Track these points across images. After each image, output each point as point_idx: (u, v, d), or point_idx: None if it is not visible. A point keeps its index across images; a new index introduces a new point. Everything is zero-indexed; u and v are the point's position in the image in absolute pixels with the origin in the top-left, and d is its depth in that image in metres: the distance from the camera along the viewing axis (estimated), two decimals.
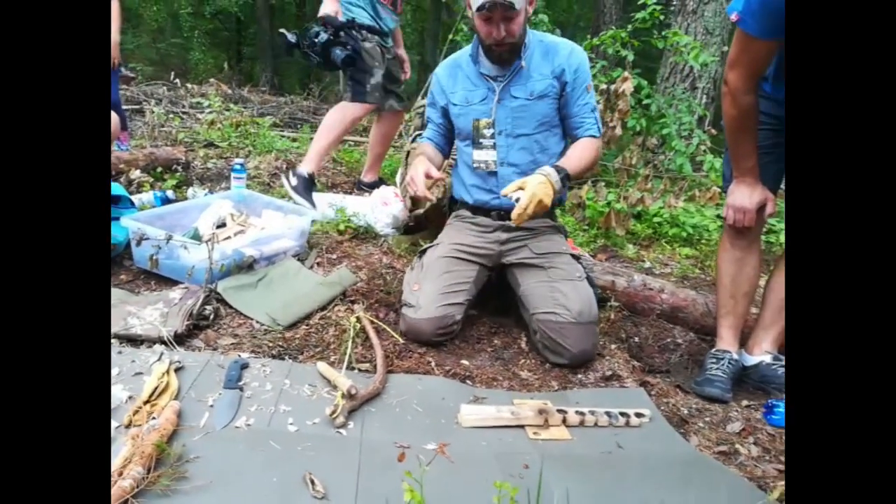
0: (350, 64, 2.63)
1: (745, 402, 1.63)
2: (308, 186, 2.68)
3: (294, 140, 4.27)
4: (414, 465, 1.12)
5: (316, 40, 2.59)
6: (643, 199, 3.04)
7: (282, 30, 2.77)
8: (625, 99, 3.34)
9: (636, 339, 1.98)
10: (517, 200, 1.58)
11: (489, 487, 1.01)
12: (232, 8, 11.13)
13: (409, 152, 2.50)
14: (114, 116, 2.17)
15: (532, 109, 1.78)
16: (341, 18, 2.65)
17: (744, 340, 1.79)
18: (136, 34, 12.02)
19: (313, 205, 2.60)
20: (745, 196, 1.62)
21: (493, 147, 1.81)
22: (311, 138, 4.36)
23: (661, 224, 3.23)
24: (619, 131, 3.47)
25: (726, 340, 1.74)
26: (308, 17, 12.58)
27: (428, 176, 1.73)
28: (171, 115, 4.29)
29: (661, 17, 3.52)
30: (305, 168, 2.74)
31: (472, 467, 1.17)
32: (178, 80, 4.90)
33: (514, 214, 1.58)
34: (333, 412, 1.25)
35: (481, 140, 1.82)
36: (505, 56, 1.75)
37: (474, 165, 1.85)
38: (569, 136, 1.87)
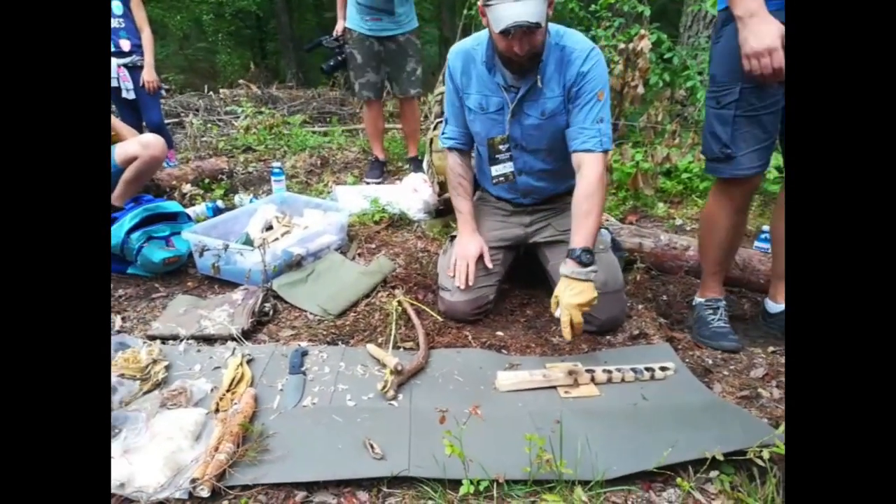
0: (333, 71, 3.27)
1: (770, 349, 1.71)
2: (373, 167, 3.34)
3: (325, 135, 4.44)
4: (458, 421, 1.28)
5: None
6: (669, 156, 3.04)
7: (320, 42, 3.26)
8: (644, 57, 3.33)
9: (664, 297, 2.07)
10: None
11: (523, 440, 1.16)
12: (251, 6, 11.32)
13: (431, 139, 2.62)
14: (159, 138, 2.38)
15: (545, 128, 1.75)
16: (340, 30, 3.12)
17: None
18: (163, 44, 12.45)
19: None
20: (762, 35, 1.34)
21: (510, 159, 1.83)
22: (342, 131, 4.56)
23: (692, 178, 3.23)
24: (641, 90, 3.46)
25: (715, 289, 1.82)
26: (326, 7, 12.67)
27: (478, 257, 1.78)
28: (209, 125, 4.54)
29: None
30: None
31: (509, 425, 1.32)
32: (211, 93, 5.14)
33: (566, 338, 1.59)
34: (384, 387, 1.43)
35: (497, 156, 1.82)
36: (526, 66, 1.65)
37: (494, 181, 1.87)
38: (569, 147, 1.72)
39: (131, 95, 2.97)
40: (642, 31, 3.29)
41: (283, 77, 11.16)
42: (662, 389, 1.49)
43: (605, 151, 1.68)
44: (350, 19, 3.06)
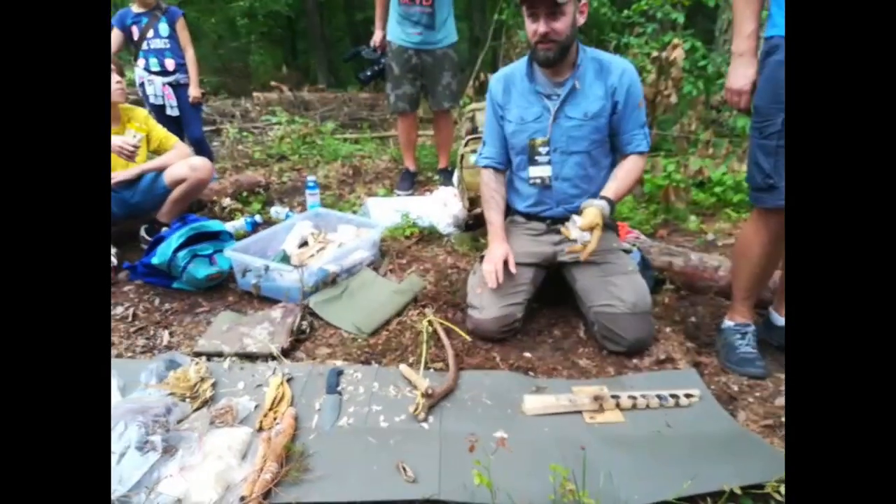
0: (369, 81, 3.31)
1: None
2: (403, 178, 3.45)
3: (356, 142, 4.55)
4: (485, 452, 1.34)
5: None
6: (702, 169, 3.02)
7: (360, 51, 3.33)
8: (677, 66, 3.30)
9: (693, 319, 2.08)
10: (584, 243, 1.73)
11: (548, 468, 1.21)
12: (283, 9, 11.56)
13: (462, 156, 2.67)
14: (206, 162, 2.50)
15: (586, 129, 1.86)
16: (376, 41, 3.19)
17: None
18: (198, 46, 12.82)
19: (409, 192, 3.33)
20: (739, 76, 1.57)
21: (548, 163, 1.91)
22: (372, 137, 4.65)
23: (725, 191, 3.20)
24: (674, 99, 3.44)
25: (745, 314, 1.82)
26: (355, 6, 12.81)
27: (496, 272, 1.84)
28: (245, 133, 4.71)
29: None
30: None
31: (535, 451, 1.37)
32: (245, 100, 5.31)
33: (584, 255, 1.74)
34: (416, 409, 1.50)
35: (536, 157, 1.92)
36: (552, 56, 1.77)
37: (530, 181, 1.96)
38: (618, 151, 1.94)
39: (175, 112, 3.12)
40: (675, 41, 3.26)
41: (314, 77, 11.38)
42: (686, 417, 1.52)
43: (646, 153, 1.94)
44: (391, 31, 3.13)
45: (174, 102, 3.09)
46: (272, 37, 13.87)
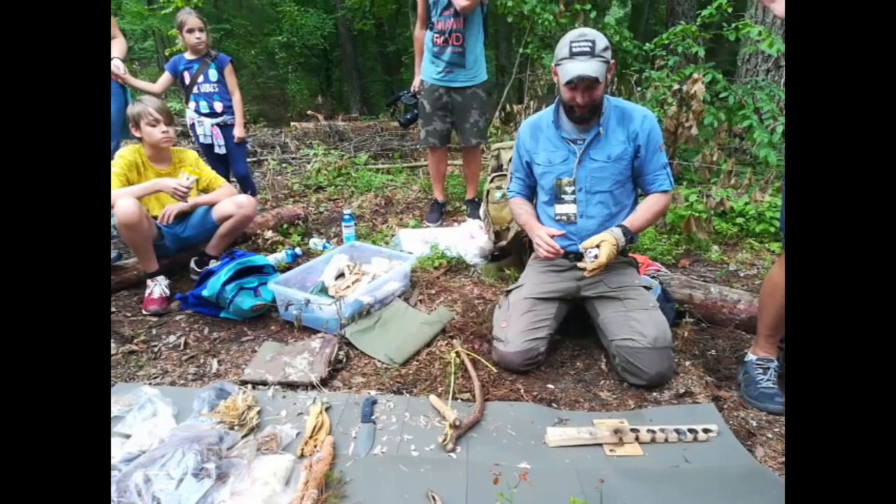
0: (408, 124, 3.53)
1: None
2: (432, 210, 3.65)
3: (388, 172, 4.74)
4: (508, 484, 1.44)
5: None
6: (723, 201, 3.07)
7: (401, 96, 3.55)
8: (697, 99, 3.37)
9: (713, 352, 2.13)
10: (594, 257, 1.86)
11: (568, 501, 1.30)
12: (319, 43, 12.09)
13: (488, 191, 2.80)
14: (252, 200, 2.70)
15: (609, 170, 2.01)
16: (415, 86, 3.42)
17: None
18: (239, 76, 13.47)
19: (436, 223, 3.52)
20: None
21: (574, 202, 2.05)
22: (403, 168, 4.84)
23: (748, 221, 3.23)
24: (694, 131, 3.50)
25: (768, 349, 1.87)
26: (385, 37, 13.26)
27: (551, 235, 2.02)
28: (284, 165, 4.96)
29: (730, 10, 3.47)
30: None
31: (556, 483, 1.46)
32: (282, 134, 5.59)
33: (589, 269, 1.87)
34: (444, 440, 1.61)
35: (563, 196, 2.06)
36: (586, 116, 1.97)
37: (556, 218, 2.09)
38: (642, 190, 2.09)
39: (222, 150, 3.36)
40: (695, 76, 3.34)
41: (347, 104, 11.79)
42: (704, 452, 1.58)
43: (669, 192, 2.06)
44: (424, 71, 3.32)
45: (222, 141, 3.33)
46: (308, 66, 14.46)
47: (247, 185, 3.52)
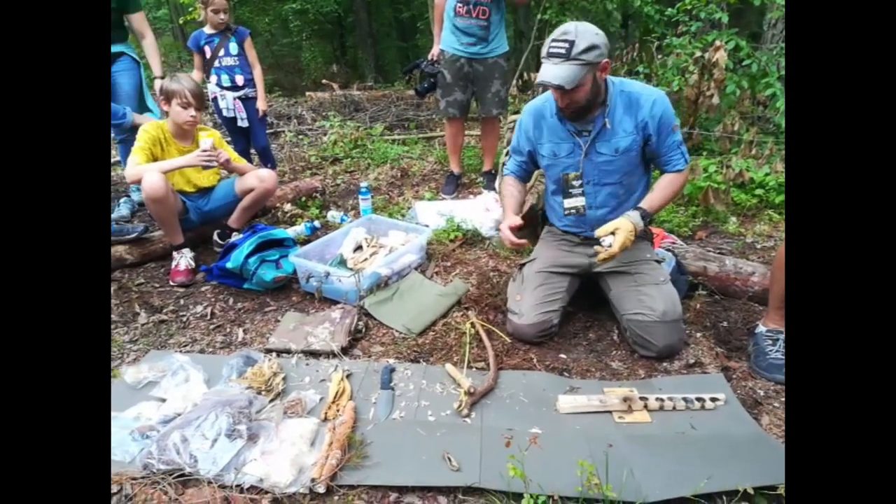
0: (426, 92, 3.45)
1: None
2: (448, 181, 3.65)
3: (404, 143, 4.75)
4: (520, 447, 1.52)
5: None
6: (743, 172, 3.03)
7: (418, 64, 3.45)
8: (719, 68, 3.30)
9: (725, 324, 2.17)
10: (609, 245, 1.84)
11: (577, 463, 1.37)
12: (333, 9, 11.92)
13: (504, 163, 2.81)
14: (273, 174, 2.76)
15: (617, 163, 1.96)
16: (434, 55, 3.33)
17: None
18: (253, 44, 13.40)
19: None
20: None
21: (582, 194, 2.02)
22: (419, 139, 4.83)
23: (768, 192, 3.19)
24: (716, 100, 3.44)
25: (778, 321, 1.89)
26: (400, 2, 12.99)
27: (511, 228, 2.01)
28: (301, 136, 4.99)
29: None
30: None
31: (565, 447, 1.53)
32: (298, 105, 5.60)
33: (600, 258, 1.86)
34: (459, 406, 1.69)
35: (570, 190, 2.03)
36: (574, 117, 1.91)
37: (565, 212, 2.07)
38: (657, 169, 2.04)
39: (245, 124, 3.40)
40: (717, 43, 3.26)
41: (362, 72, 11.68)
42: (711, 419, 1.64)
43: (686, 164, 2.00)
44: (444, 41, 3.28)
45: (244, 115, 3.37)
46: (322, 33, 14.28)
47: (267, 158, 3.58)
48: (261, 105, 3.41)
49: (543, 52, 1.79)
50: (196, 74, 3.29)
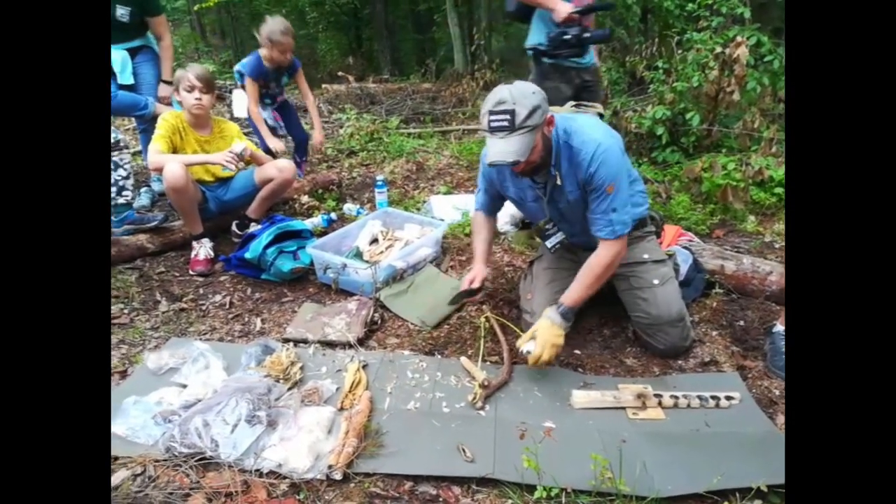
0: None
1: None
2: None
3: (420, 137, 4.76)
4: (534, 439, 1.53)
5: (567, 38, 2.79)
6: (762, 170, 3.00)
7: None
8: (740, 64, 3.26)
9: (741, 323, 2.15)
10: (527, 352, 1.77)
11: (590, 458, 1.38)
12: (349, 1, 11.93)
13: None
14: (291, 164, 2.80)
15: (576, 209, 1.88)
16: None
17: None
18: None
19: None
20: None
21: (558, 231, 2.01)
22: (434, 132, 4.83)
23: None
24: (736, 96, 3.39)
25: None
26: None
27: (471, 280, 2.07)
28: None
29: None
30: None
31: (579, 441, 1.54)
32: (320, 105, 5.63)
33: (529, 363, 1.78)
34: (474, 398, 1.71)
35: (547, 233, 2.01)
36: (530, 174, 1.83)
37: (552, 250, 2.05)
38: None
39: (283, 132, 3.54)
40: (739, 38, 3.21)
41: (378, 64, 11.68)
42: (725, 418, 1.64)
43: (619, 237, 1.79)
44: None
45: (282, 123, 3.51)
46: (338, 24, 14.30)
47: (302, 151, 3.69)
48: (318, 136, 3.47)
49: (484, 124, 1.66)
50: (252, 105, 3.26)
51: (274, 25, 3.12)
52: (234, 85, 3.50)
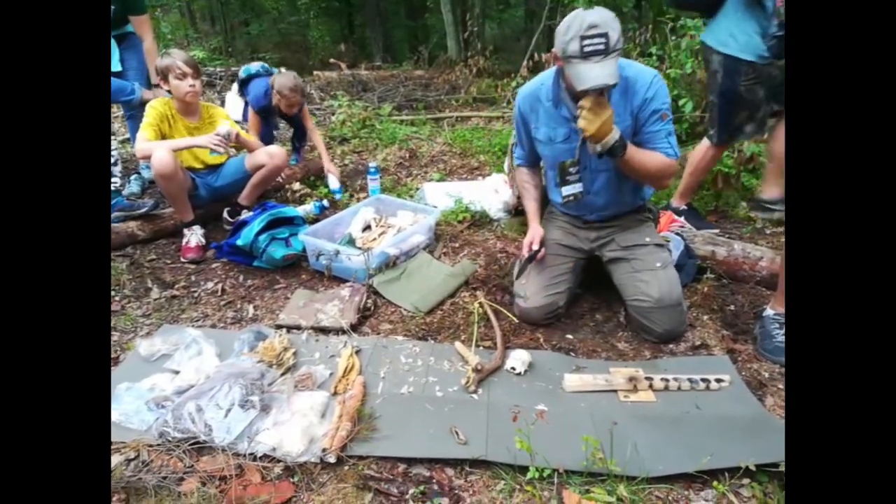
0: None
1: None
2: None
3: (412, 124, 4.73)
4: (527, 422, 1.54)
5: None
6: (753, 157, 3.01)
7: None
8: None
9: (732, 308, 2.18)
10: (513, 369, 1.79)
11: (582, 439, 1.40)
12: None
13: (513, 144, 2.80)
14: (282, 150, 2.78)
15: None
16: None
17: None
18: (259, 22, 13.27)
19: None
20: None
21: (580, 181, 1.96)
22: (427, 120, 4.79)
23: None
24: None
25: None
26: None
27: (531, 247, 2.03)
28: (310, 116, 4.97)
29: None
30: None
31: (571, 423, 1.56)
32: (311, 90, 5.57)
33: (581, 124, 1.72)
34: (467, 382, 1.72)
35: (567, 177, 1.96)
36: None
37: (563, 200, 1.99)
38: None
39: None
40: None
41: (370, 51, 11.57)
42: (715, 400, 1.66)
43: (674, 160, 1.89)
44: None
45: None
46: (330, 11, 14.12)
47: (302, 139, 3.67)
48: (330, 168, 3.33)
49: (572, 49, 1.62)
50: (253, 138, 3.09)
51: (285, 81, 3.14)
52: (224, 72, 3.45)
